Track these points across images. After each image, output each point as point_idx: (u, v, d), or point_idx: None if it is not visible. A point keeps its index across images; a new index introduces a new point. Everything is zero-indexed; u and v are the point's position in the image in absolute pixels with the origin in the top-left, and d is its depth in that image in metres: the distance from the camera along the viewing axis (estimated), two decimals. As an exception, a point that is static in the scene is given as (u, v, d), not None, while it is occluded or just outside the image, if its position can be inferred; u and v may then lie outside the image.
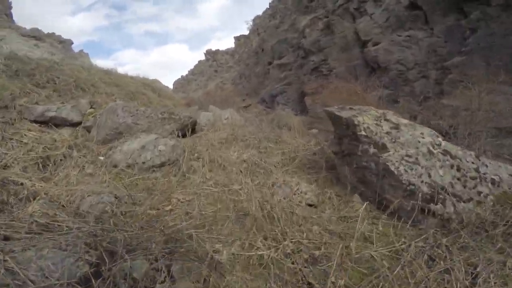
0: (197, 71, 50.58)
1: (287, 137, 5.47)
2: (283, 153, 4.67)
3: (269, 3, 33.58)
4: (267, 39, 26.76)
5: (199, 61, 52.02)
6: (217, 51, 46.68)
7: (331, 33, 13.55)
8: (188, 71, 55.22)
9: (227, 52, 43.43)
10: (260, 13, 35.77)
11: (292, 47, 19.53)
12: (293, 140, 5.36)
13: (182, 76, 57.09)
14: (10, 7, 25.05)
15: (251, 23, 36.38)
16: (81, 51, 40.74)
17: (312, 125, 12.25)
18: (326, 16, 14.46)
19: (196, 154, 4.38)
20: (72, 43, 32.74)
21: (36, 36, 24.21)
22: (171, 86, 59.60)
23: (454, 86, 9.41)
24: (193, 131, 5.82)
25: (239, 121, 7.81)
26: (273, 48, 21.99)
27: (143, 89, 11.97)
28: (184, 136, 5.16)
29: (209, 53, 48.23)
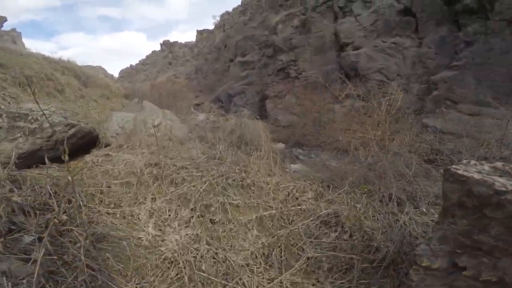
0: (149, 61, 46.64)
1: (261, 174, 3.25)
2: (261, 222, 2.42)
3: (242, 1, 32.05)
4: (232, 35, 24.83)
5: (153, 51, 48.28)
6: (175, 43, 43.52)
7: (307, 31, 12.05)
8: (139, 60, 51.14)
9: (186, 45, 40.56)
10: (230, 9, 34.04)
11: (258, 45, 17.80)
12: (273, 180, 3.12)
13: (130, 65, 52.52)
14: None
15: (218, 18, 34.37)
16: (13, 29, 35.18)
17: (273, 134, 10.33)
18: (303, 13, 13.00)
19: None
20: (5, 20, 28.58)
21: None
22: (117, 75, 54.89)
23: (438, 104, 8.34)
24: (93, 145, 3.90)
25: (179, 131, 5.64)
26: (237, 45, 20.06)
27: (53, 73, 9.32)
28: (58, 161, 2.47)
29: (165, 44, 44.79)
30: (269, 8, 20.96)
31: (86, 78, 14.52)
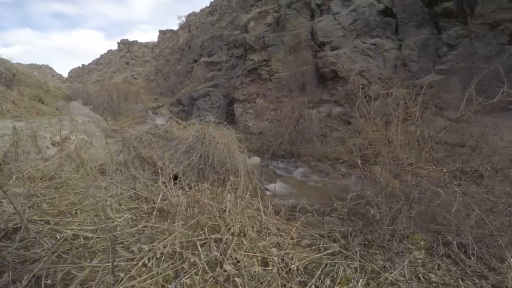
0: (104, 61, 43.34)
1: (248, 243, 1.78)
2: None
3: (210, 2, 30.99)
4: (198, 35, 23.48)
5: (109, 51, 45.14)
6: (135, 42, 40.93)
7: (281, 29, 11.15)
8: (93, 60, 47.64)
9: (146, 45, 38.24)
10: (197, 11, 32.81)
11: (227, 45, 16.68)
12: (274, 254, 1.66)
13: (83, 64, 48.73)
14: None
15: (183, 19, 32.90)
16: None
17: (244, 143, 9.10)
18: (277, 10, 12.14)
19: None
20: None
21: None
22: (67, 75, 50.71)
23: (424, 110, 7.75)
24: None
25: (101, 151, 4.60)
26: (203, 45, 18.76)
27: None
28: None
29: (123, 43, 41.97)
30: (240, 8, 20.07)
31: (11, 76, 12.31)
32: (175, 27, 35.53)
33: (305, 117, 9.07)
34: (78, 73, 45.46)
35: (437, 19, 8.51)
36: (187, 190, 3.54)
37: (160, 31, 37.49)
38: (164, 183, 3.81)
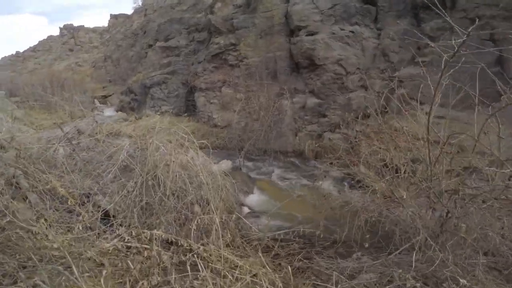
0: (43, 47, 38.44)
1: None
2: None
3: None
4: (154, 19, 21.39)
5: (49, 36, 40.22)
6: (81, 27, 36.87)
7: (252, 11, 10.02)
8: (29, 47, 42.04)
9: (94, 30, 34.54)
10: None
11: (187, 28, 15.09)
12: None
13: (17, 52, 42.89)
14: None
15: (139, 2, 30.18)
16: None
17: (207, 138, 7.75)
18: (246, -10, 11.00)
19: None
20: None
21: None
22: None
23: (403, 104, 7.23)
24: None
25: None
26: (160, 28, 16.87)
27: None
28: None
29: (67, 28, 37.63)
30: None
31: None
32: (129, 11, 32.54)
33: (278, 108, 8.08)
34: (11, 61, 39.84)
35: (418, 10, 8.10)
36: (126, 239, 2.17)
37: (111, 15, 34.07)
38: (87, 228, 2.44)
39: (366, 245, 2.93)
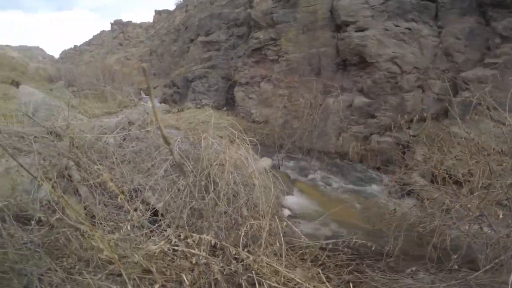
0: (97, 42, 39.79)
1: None
2: None
3: None
4: (195, 14, 20.85)
5: (102, 31, 41.45)
6: (129, 23, 37.46)
7: (293, 5, 9.00)
8: (85, 41, 43.68)
9: (141, 25, 34.90)
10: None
11: (226, 23, 14.33)
12: None
13: (74, 46, 44.78)
14: None
15: (181, -1, 29.79)
16: None
17: (246, 134, 7.07)
18: (286, -16, 9.94)
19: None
20: None
21: None
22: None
23: (467, 108, 5.97)
24: None
25: None
26: (200, 23, 16.28)
27: None
28: None
29: (117, 23, 38.41)
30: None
31: None
32: (172, 7, 32.35)
33: (321, 107, 7.14)
34: (70, 55, 41.77)
35: (485, 8, 6.65)
36: (173, 242, 1.59)
37: (155, 11, 34.19)
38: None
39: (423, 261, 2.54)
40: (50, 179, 2.61)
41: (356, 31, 7.42)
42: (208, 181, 2.80)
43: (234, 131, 3.34)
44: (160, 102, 13.76)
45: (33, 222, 2.22)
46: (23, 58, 22.37)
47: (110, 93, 15.09)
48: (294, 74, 7.95)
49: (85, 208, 2.75)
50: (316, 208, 5.32)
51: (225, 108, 9.53)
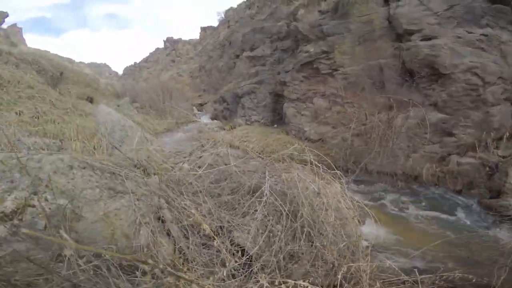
0: (153, 59, 41.93)
1: None
2: None
3: None
4: (237, 30, 20.61)
5: (157, 49, 43.45)
6: (179, 40, 38.82)
7: (343, 16, 8.03)
8: (143, 58, 46.23)
9: (189, 42, 35.94)
10: (235, 6, 29.62)
11: (269, 37, 13.71)
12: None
13: (135, 62, 47.65)
14: None
15: (222, 15, 29.87)
16: (14, 25, 32.17)
17: (302, 155, 6.38)
18: (334, -7, 8.95)
19: None
20: (7, 16, 24.79)
21: None
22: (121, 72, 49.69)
23: None
24: None
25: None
26: (244, 38, 15.91)
27: None
28: None
29: (169, 41, 40.04)
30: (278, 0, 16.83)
31: (58, 74, 10.47)
32: (215, 23, 32.70)
33: (387, 124, 6.10)
34: (131, 71, 44.54)
35: None
36: None
37: (201, 28, 34.90)
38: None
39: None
40: (148, 223, 2.31)
41: (422, 40, 6.24)
42: (305, 225, 2.40)
43: (318, 164, 2.85)
44: (211, 118, 13.62)
45: (138, 273, 1.92)
46: (95, 75, 23.24)
47: (169, 110, 15.35)
48: (353, 88, 7.01)
49: (179, 252, 2.42)
50: (393, 238, 4.55)
51: (275, 126, 8.89)
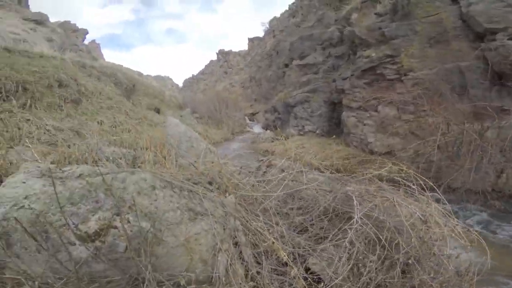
0: (208, 71, 44.16)
1: None
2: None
3: (289, 5, 27.18)
4: (284, 39, 20.30)
5: (211, 61, 45.56)
6: (230, 51, 40.14)
7: (405, 17, 7.12)
8: (199, 70, 48.83)
9: (239, 53, 36.91)
10: (278, 15, 29.42)
11: (320, 44, 13.08)
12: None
13: (192, 75, 50.70)
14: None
15: (267, 25, 29.92)
16: (93, 41, 35.16)
17: (362, 165, 5.73)
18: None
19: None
20: (87, 33, 27.49)
21: (37, 20, 18.10)
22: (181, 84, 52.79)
23: None
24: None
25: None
26: (293, 47, 15.52)
27: (76, 78, 6.72)
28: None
29: (221, 53, 41.71)
30: (325, 5, 15.96)
31: (131, 86, 11.17)
32: (261, 33, 32.91)
33: (474, 134, 5.11)
34: (190, 83, 47.24)
35: None
36: None
37: (248, 39, 35.53)
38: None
39: None
40: (227, 250, 2.15)
41: (509, 39, 5.07)
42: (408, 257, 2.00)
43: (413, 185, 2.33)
44: (263, 128, 13.55)
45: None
46: (161, 87, 24.35)
47: (225, 121, 15.67)
48: (427, 95, 6.08)
49: (251, 279, 2.24)
50: (488, 264, 3.74)
51: (334, 136, 8.31)
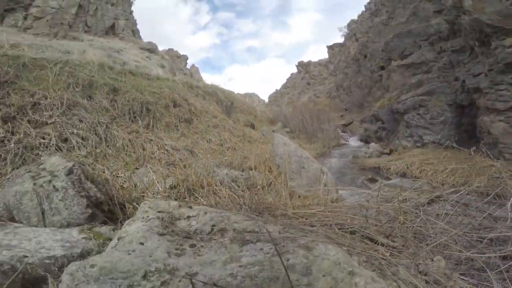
0: (290, 84, 44.18)
1: None
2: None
3: (365, 5, 23.95)
4: (372, 39, 17.81)
5: (291, 74, 45.34)
6: (309, 62, 38.90)
7: None
8: (282, 84, 49.11)
9: (320, 63, 35.30)
10: (355, 17, 26.45)
11: (426, 39, 10.62)
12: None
13: (276, 89, 51.51)
14: (136, 24, 23.03)
15: (345, 29, 27.37)
16: (193, 65, 37.42)
17: None
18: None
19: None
20: (187, 58, 28.96)
21: (150, 49, 21.01)
22: (267, 100, 53.97)
23: None
24: None
25: None
26: (388, 47, 13.27)
27: (187, 98, 6.53)
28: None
29: (301, 65, 41.01)
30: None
31: (230, 104, 11.16)
32: (339, 39, 30.32)
33: None
34: (275, 98, 47.86)
35: None
36: None
37: (327, 47, 33.52)
38: None
39: None
40: None
41: None
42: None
43: None
44: (361, 140, 11.78)
45: None
46: (252, 104, 24.17)
47: (317, 133, 14.54)
48: None
49: None
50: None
51: (474, 148, 6.29)
